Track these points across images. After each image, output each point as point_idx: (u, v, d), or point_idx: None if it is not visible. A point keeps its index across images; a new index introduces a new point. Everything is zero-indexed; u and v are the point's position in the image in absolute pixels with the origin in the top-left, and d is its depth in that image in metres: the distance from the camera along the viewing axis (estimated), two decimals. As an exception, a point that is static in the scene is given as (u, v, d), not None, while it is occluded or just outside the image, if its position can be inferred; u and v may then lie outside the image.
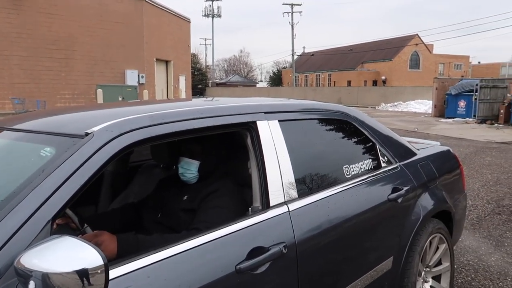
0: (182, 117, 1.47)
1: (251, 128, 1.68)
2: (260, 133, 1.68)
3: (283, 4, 46.41)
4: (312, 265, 1.62)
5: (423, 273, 2.46)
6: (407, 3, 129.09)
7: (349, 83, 47.57)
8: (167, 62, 27.90)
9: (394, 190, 2.15)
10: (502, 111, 15.63)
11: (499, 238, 4.08)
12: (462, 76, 40.95)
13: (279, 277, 1.49)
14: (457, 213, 2.87)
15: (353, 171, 2.05)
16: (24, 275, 0.92)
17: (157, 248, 1.23)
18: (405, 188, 2.20)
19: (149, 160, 2.59)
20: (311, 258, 1.61)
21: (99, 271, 0.93)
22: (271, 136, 1.71)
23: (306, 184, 1.79)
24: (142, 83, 23.39)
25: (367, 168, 2.15)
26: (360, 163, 2.12)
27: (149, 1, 24.64)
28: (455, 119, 17.46)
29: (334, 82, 51.61)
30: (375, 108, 28.49)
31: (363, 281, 1.87)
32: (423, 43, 48.65)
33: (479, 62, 53.19)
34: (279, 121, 1.79)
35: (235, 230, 1.43)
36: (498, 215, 4.82)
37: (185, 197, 1.80)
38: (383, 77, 48.10)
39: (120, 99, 18.60)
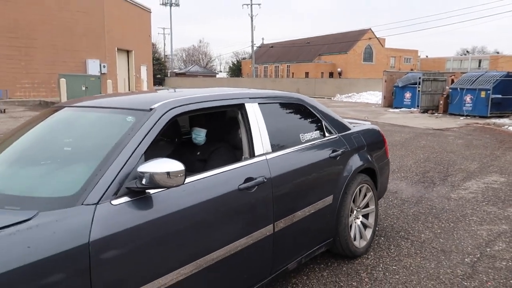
0: (203, 99, 2.41)
1: (241, 107, 2.63)
2: (247, 110, 2.64)
3: (243, -4, 47.14)
4: (281, 191, 2.60)
5: (355, 211, 3.53)
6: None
7: (307, 74, 49.18)
8: (128, 52, 27.96)
9: (333, 151, 3.19)
10: (441, 102, 17.47)
11: (419, 198, 5.30)
12: (412, 69, 43.72)
13: (263, 195, 2.45)
14: (381, 175, 3.98)
15: (306, 138, 3.05)
16: (141, 176, 1.81)
17: (198, 173, 2.17)
18: (341, 150, 3.25)
19: None
20: (280, 187, 2.59)
21: (179, 175, 1.85)
22: (254, 113, 2.67)
23: (276, 144, 2.76)
24: (104, 73, 23.44)
25: (316, 137, 3.17)
26: (311, 133, 3.13)
27: (109, -9, 24.61)
28: (402, 109, 19.20)
29: (293, 73, 53.09)
30: (331, 98, 30.10)
31: (313, 207, 2.88)
32: (376, 37, 51.16)
33: (427, 56, 56.70)
34: (258, 103, 2.75)
35: (235, 167, 2.38)
36: (422, 183, 6.08)
37: (198, 153, 2.74)
38: (339, 69, 50.19)
39: (83, 88, 18.76)
